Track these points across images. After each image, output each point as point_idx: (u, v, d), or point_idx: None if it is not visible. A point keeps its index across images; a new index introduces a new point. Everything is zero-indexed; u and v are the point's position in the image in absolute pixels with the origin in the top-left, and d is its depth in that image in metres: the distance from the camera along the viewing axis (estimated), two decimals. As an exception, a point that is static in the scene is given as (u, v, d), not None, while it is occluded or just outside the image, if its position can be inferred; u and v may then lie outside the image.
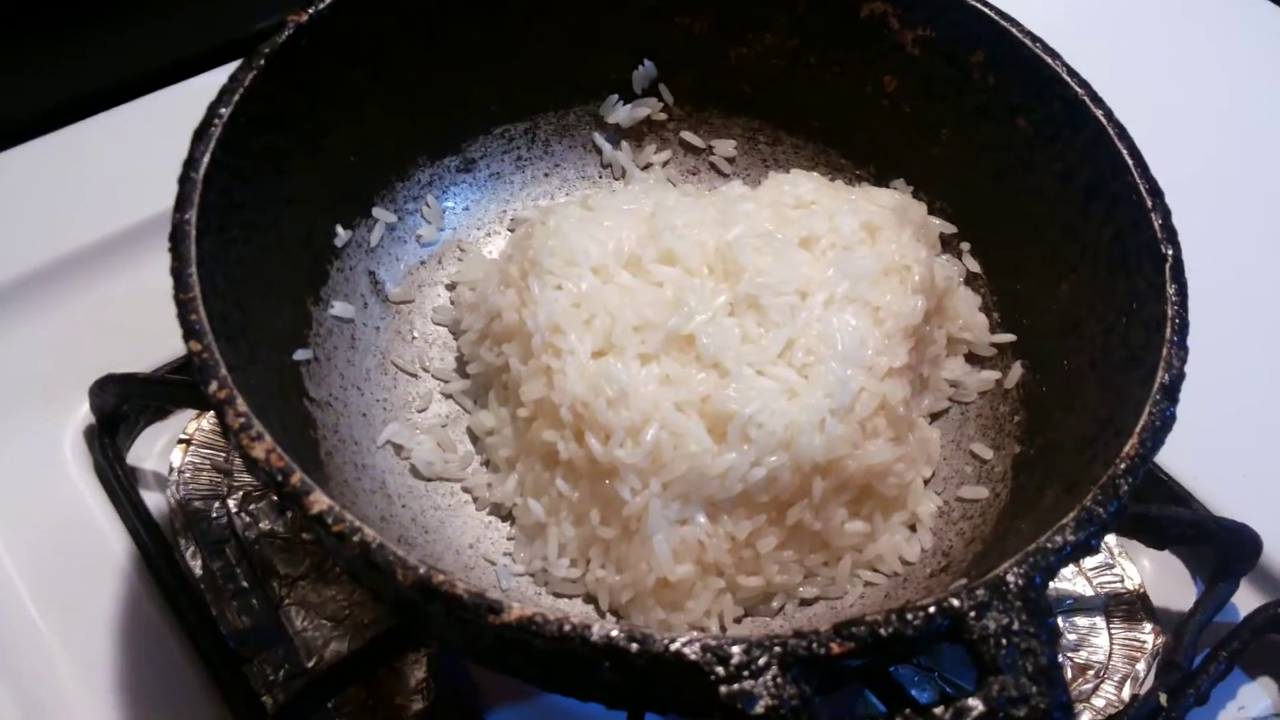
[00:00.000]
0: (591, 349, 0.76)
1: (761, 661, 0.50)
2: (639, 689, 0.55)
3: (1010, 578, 0.54)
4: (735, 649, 0.50)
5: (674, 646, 0.50)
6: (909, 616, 0.52)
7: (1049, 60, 0.80)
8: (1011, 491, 0.79)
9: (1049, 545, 0.55)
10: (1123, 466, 0.59)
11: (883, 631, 0.52)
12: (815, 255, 0.81)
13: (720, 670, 0.50)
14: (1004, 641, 0.52)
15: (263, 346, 0.72)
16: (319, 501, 0.54)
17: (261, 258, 0.74)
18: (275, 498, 0.77)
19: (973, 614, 0.53)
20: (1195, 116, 1.24)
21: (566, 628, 0.50)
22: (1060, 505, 0.62)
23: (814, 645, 0.51)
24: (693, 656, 0.50)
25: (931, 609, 0.52)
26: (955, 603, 0.53)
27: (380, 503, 0.76)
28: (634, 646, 0.50)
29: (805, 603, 0.78)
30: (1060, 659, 0.84)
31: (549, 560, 0.76)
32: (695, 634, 0.50)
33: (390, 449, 0.81)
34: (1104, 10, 1.35)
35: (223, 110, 0.70)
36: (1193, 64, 1.31)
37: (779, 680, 0.50)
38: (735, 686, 0.50)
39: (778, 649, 0.50)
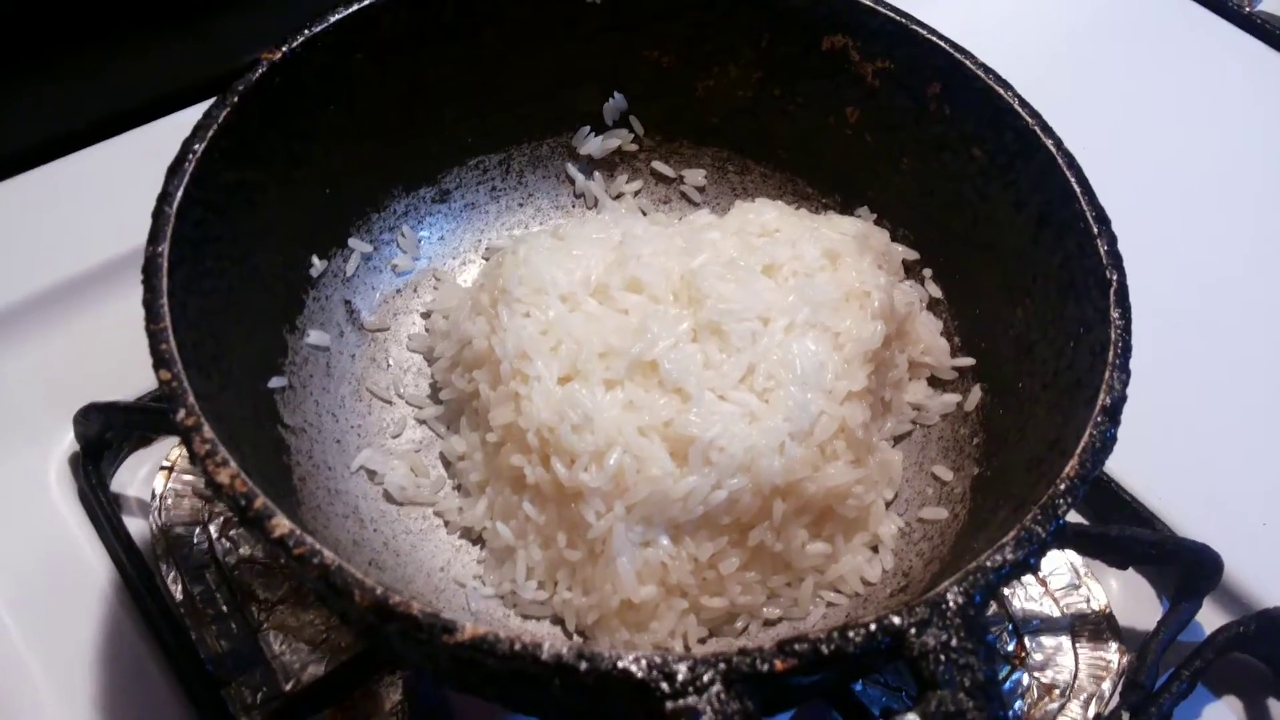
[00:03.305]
0: (558, 375, 0.77)
1: (706, 678, 0.52)
2: (590, 706, 0.57)
3: (950, 596, 0.56)
4: (680, 666, 0.52)
5: (620, 664, 0.52)
6: (850, 634, 0.53)
7: (1001, 91, 0.82)
8: (969, 512, 0.80)
9: (988, 564, 0.57)
10: (1062, 486, 0.61)
11: (824, 649, 0.53)
12: (777, 282, 0.82)
13: (665, 687, 0.51)
14: (942, 658, 0.54)
15: (237, 374, 0.73)
16: (280, 525, 0.56)
17: (236, 288, 0.76)
18: (239, 523, 0.79)
19: (913, 631, 0.54)
20: (1144, 143, 1.26)
21: (517, 646, 0.52)
22: (1009, 524, 0.63)
23: (757, 662, 0.52)
24: (639, 674, 0.52)
25: (872, 627, 0.54)
26: (896, 620, 0.54)
27: (352, 527, 0.77)
28: (582, 665, 0.52)
29: (769, 623, 0.79)
30: (1026, 679, 0.86)
31: (517, 583, 0.78)
32: (641, 652, 0.51)
33: (363, 474, 0.83)
34: (1056, 41, 1.37)
35: (196, 146, 0.72)
36: (1143, 92, 1.33)
37: (722, 696, 0.51)
38: (680, 702, 0.51)
39: (722, 666, 0.52)
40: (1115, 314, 0.69)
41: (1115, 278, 0.71)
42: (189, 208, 0.70)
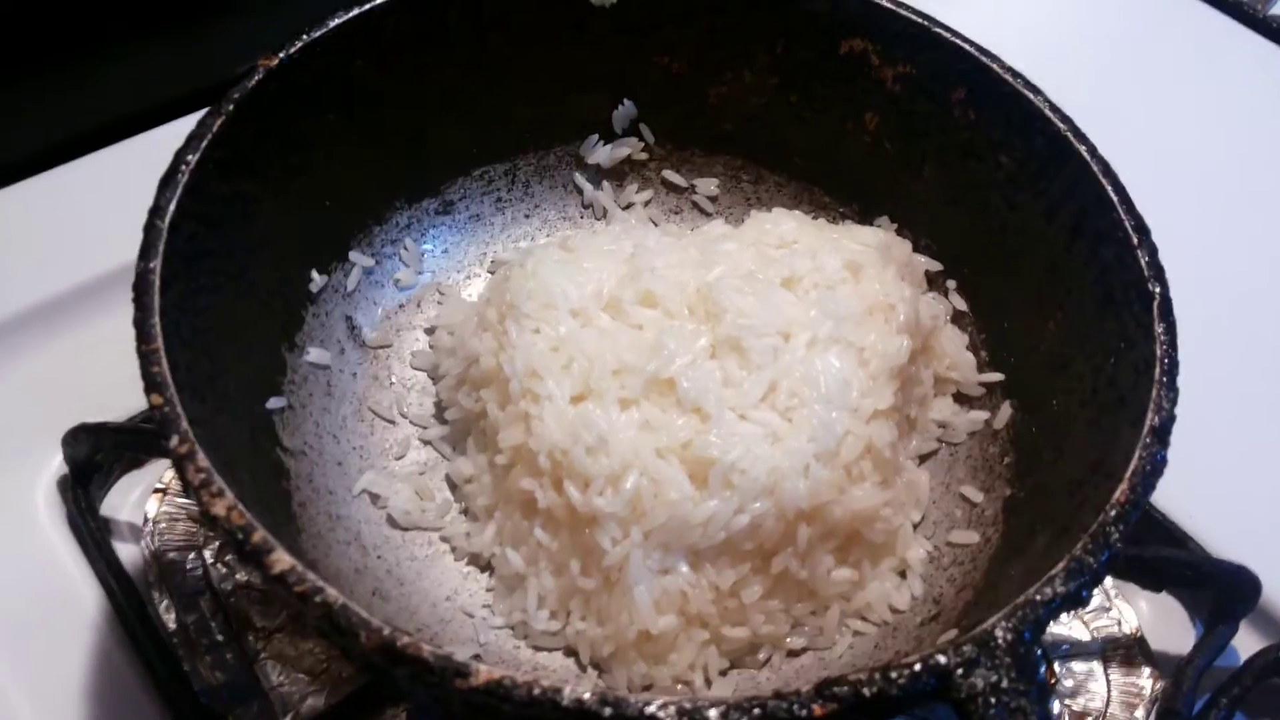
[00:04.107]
0: (570, 394, 0.74)
1: (740, 725, 0.48)
2: (614, 753, 0.53)
3: (998, 633, 0.52)
4: (712, 712, 0.48)
5: (649, 710, 0.48)
6: (893, 675, 0.50)
7: (1030, 96, 0.79)
8: (1002, 536, 0.77)
9: (1038, 598, 0.54)
10: (1113, 513, 0.58)
11: (866, 691, 0.50)
12: (798, 295, 0.80)
13: (696, 734, 0.48)
14: (993, 700, 0.50)
15: (233, 395, 0.70)
16: (280, 561, 0.52)
17: (232, 305, 0.73)
18: (236, 557, 0.75)
19: (960, 671, 0.51)
20: (1184, 150, 1.23)
21: (536, 691, 0.48)
22: (1051, 551, 0.61)
23: (795, 707, 0.49)
24: (668, 721, 0.48)
25: (917, 667, 0.50)
26: (942, 660, 0.51)
27: (355, 554, 0.74)
28: (606, 710, 0.48)
29: (793, 654, 0.76)
30: (1057, 706, 0.83)
31: (528, 612, 0.75)
32: (670, 698, 0.48)
33: (366, 498, 0.80)
34: (1089, 44, 1.35)
35: (190, 157, 0.69)
36: (1162, 98, 1.30)
37: (758, 744, 0.48)
38: (712, 751, 0.48)
39: (756, 711, 0.48)
40: (1160, 328, 0.66)
41: (1158, 290, 0.68)
42: (182, 221, 0.67)
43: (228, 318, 0.72)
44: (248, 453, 0.69)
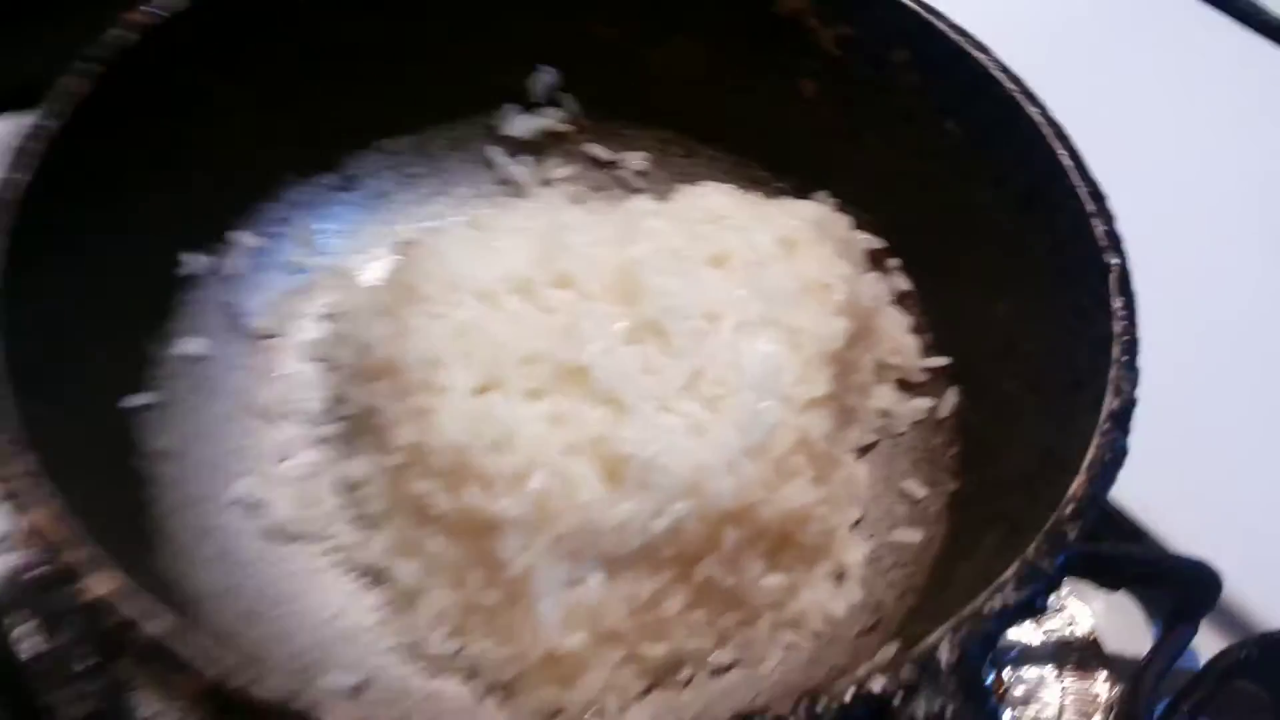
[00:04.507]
0: (472, 385, 0.68)
1: (639, 768, 0.41)
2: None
3: (942, 651, 0.46)
4: (606, 755, 0.41)
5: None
6: (819, 709, 0.43)
7: (978, 56, 0.73)
8: (948, 534, 0.71)
9: (986, 609, 0.47)
10: (1069, 510, 0.51)
11: (788, 725, 0.43)
12: (727, 274, 0.73)
13: (588, 782, 0.41)
14: (936, 731, 0.43)
15: (82, 391, 0.63)
16: (99, 584, 0.44)
17: (86, 288, 0.65)
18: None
19: (899, 698, 0.44)
20: (1146, 115, 1.17)
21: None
22: (1002, 552, 0.54)
23: (703, 746, 0.42)
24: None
25: (848, 696, 0.44)
26: (877, 686, 0.44)
27: (224, 571, 0.67)
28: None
29: (719, 671, 0.69)
30: (1010, 715, 0.77)
31: (424, 632, 0.67)
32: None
33: (242, 506, 0.72)
34: (1050, 8, 1.30)
35: (44, 123, 0.62)
36: (1142, 60, 1.25)
37: (660, 791, 0.41)
38: (607, 801, 0.40)
39: (658, 752, 0.41)
40: (1118, 303, 0.60)
41: (1115, 262, 0.62)
42: (34, 194, 0.61)
43: (81, 303, 0.64)
44: (94, 456, 0.62)
